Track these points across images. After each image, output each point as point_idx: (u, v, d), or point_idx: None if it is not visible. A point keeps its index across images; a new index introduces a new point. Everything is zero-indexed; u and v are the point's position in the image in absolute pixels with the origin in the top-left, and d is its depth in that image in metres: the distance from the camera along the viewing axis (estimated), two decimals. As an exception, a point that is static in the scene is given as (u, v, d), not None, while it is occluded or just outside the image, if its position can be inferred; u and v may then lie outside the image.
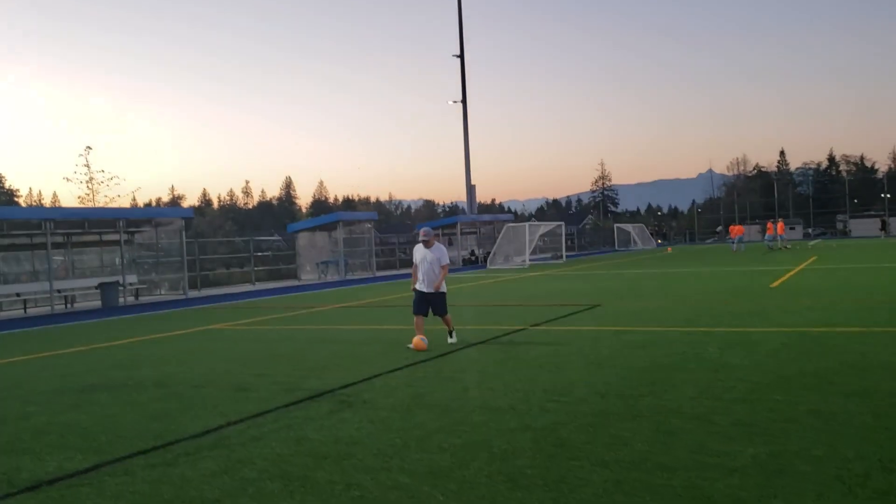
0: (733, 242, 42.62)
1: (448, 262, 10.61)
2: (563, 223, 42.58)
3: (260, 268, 31.40)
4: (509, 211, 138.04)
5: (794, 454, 4.85)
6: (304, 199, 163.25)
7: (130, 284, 22.73)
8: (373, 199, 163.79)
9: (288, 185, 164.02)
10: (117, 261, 23.04)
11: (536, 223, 40.58)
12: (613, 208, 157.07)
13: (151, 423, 6.72)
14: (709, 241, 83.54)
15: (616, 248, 60.44)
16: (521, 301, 17.37)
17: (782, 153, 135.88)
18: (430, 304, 10.32)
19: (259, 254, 31.67)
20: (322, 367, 9.28)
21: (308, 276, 32.50)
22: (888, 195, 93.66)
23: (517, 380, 7.76)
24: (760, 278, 21.12)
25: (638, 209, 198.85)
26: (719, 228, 43.51)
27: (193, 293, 24.84)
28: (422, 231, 10.56)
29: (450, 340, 10.38)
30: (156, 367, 9.92)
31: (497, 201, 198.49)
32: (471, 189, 47.87)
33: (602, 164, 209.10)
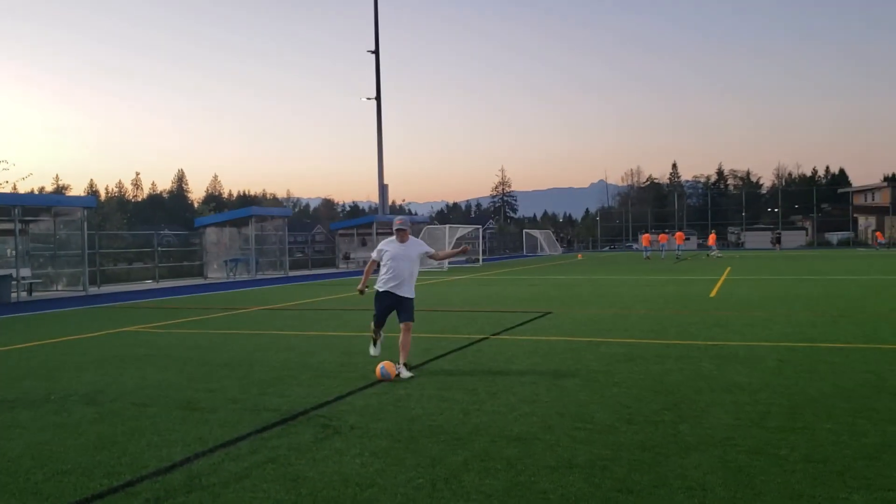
0: (648, 250, 44.07)
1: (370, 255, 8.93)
2: (480, 227, 42.13)
3: (163, 264, 29.26)
4: (410, 213, 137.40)
5: (916, 503, 4.12)
6: (196, 193, 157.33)
7: (24, 279, 20.48)
8: (269, 196, 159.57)
9: (181, 179, 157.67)
10: (10, 252, 20.69)
11: (455, 226, 39.88)
12: (513, 214, 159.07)
13: (96, 453, 5.44)
14: (605, 248, 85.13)
15: (524, 252, 60.55)
16: (464, 307, 16.45)
17: (674, 165, 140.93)
18: (400, 308, 8.40)
19: (163, 249, 29.45)
20: (277, 380, 8.08)
21: (215, 274, 30.61)
22: (777, 209, 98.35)
23: (520, 400, 6.83)
24: (692, 287, 21.02)
25: (535, 215, 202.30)
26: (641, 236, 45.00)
27: (93, 290, 22.73)
28: (398, 220, 8.60)
29: (405, 374, 8.03)
30: (77, 377, 8.47)
31: (397, 203, 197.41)
32: (383, 188, 46.71)
33: (503, 170, 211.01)
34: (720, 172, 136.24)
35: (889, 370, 7.85)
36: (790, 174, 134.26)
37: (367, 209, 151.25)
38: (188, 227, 53.12)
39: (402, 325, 8.37)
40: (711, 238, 48.05)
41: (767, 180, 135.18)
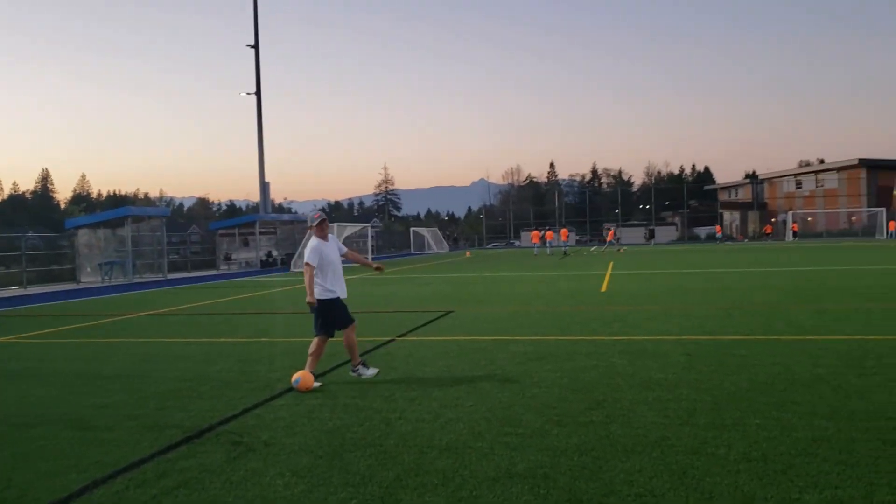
0: (536, 247, 45.34)
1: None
2: (369, 225, 41.53)
3: (31, 269, 27.21)
4: (290, 211, 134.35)
5: (865, 500, 4.10)
6: (63, 193, 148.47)
7: None
8: (141, 195, 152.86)
9: (45, 178, 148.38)
10: None
11: (344, 224, 39.11)
12: (396, 212, 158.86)
13: (-22, 487, 4.76)
14: (490, 246, 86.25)
15: (412, 251, 60.36)
16: (362, 307, 15.98)
17: (552, 165, 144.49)
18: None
19: (30, 253, 27.38)
20: (174, 393, 7.45)
21: (89, 278, 28.77)
22: (649, 206, 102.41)
23: (441, 406, 6.53)
24: (582, 282, 21.35)
25: (419, 213, 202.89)
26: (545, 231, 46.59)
27: (-51, 299, 20.82)
28: (316, 214, 7.72)
29: (369, 373, 7.85)
30: (-58, 398, 7.55)
31: (276, 201, 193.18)
32: (265, 186, 45.47)
33: (385, 169, 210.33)
34: (594, 171, 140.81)
35: (795, 361, 8.03)
36: (659, 172, 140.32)
37: (244, 208, 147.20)
38: (56, 229, 49.92)
39: (349, 327, 7.86)
40: (611, 234, 51.87)
41: (638, 178, 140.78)
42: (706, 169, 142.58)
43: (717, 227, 70.45)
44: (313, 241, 7.69)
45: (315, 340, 7.72)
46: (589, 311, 13.66)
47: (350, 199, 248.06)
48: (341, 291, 7.76)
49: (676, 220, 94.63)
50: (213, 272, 34.74)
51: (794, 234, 66.83)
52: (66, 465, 5.16)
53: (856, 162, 77.68)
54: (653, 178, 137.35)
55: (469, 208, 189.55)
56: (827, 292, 15.95)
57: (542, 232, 48.77)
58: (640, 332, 10.75)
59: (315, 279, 7.60)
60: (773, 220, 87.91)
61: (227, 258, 37.49)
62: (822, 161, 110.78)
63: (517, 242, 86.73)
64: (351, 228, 38.75)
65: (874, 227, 68.04)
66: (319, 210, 7.86)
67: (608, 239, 52.46)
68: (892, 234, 62.57)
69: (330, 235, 7.91)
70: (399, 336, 11.15)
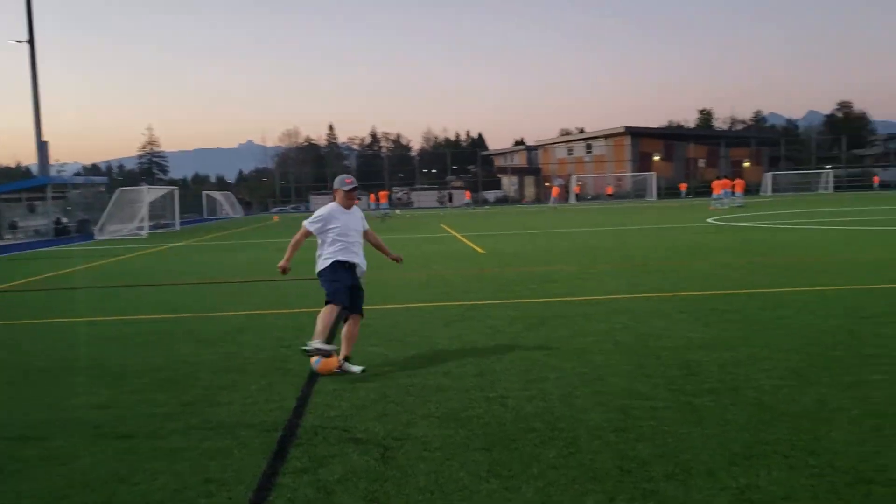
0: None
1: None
2: (176, 188, 38.02)
3: None
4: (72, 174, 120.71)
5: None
6: None
7: None
8: None
9: None
10: None
11: (153, 187, 35.36)
12: (163, 175, 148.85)
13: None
14: (290, 208, 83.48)
15: (205, 216, 56.61)
16: (236, 276, 14.39)
17: (331, 127, 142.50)
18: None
19: None
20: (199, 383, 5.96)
21: None
22: (434, 171, 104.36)
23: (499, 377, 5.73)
24: (447, 245, 20.89)
25: (185, 177, 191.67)
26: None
27: None
28: (348, 178, 6.44)
29: (354, 369, 6.19)
30: None
31: (21, 164, 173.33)
32: (42, 146, 40.25)
33: (150, 130, 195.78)
34: (374, 135, 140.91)
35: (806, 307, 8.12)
36: (436, 138, 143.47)
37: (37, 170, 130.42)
38: None
39: (353, 317, 6.44)
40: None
41: (417, 143, 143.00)
42: (480, 136, 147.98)
43: (467, 193, 68.46)
44: (328, 207, 6.45)
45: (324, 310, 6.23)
46: (501, 274, 13.20)
47: (108, 161, 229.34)
48: (357, 259, 6.44)
49: (458, 184, 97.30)
50: (-6, 242, 29.99)
51: (577, 197, 71.27)
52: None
53: (623, 130, 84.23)
54: (430, 142, 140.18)
55: (240, 171, 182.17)
56: (699, 246, 16.75)
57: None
58: (591, 290, 10.47)
59: (320, 250, 6.38)
60: (546, 184, 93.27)
61: (13, 226, 32.56)
62: (581, 130, 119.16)
63: (303, 207, 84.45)
64: (156, 192, 35.28)
65: (644, 189, 74.39)
66: (349, 176, 6.47)
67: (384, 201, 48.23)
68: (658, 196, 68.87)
69: (355, 207, 6.61)
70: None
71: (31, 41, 39.73)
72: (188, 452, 4.43)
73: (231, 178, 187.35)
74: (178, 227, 36.65)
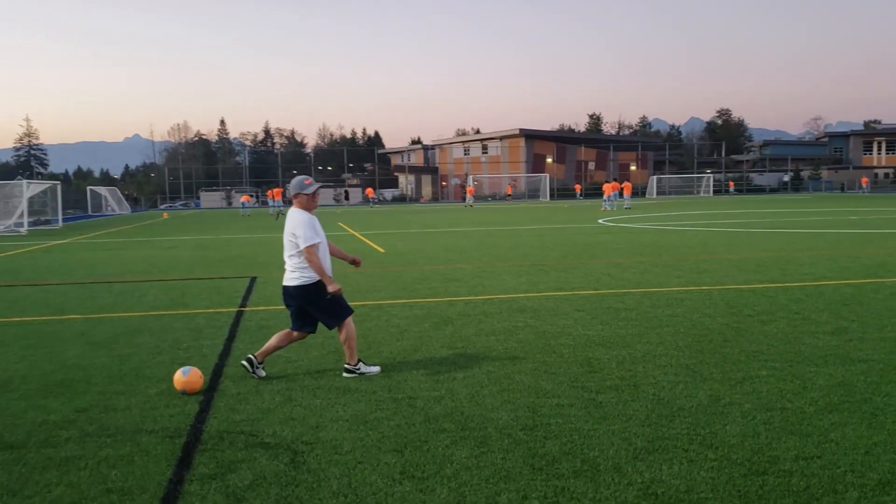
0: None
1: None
2: (58, 182, 35.98)
3: None
4: None
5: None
6: None
7: None
8: None
9: None
10: None
11: (32, 182, 33.26)
12: (42, 169, 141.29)
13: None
14: (178, 205, 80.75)
15: (90, 212, 54.01)
16: (138, 276, 13.84)
17: (223, 122, 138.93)
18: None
19: None
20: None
21: None
22: (329, 168, 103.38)
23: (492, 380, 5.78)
24: (351, 244, 20.70)
25: (67, 171, 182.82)
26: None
27: None
28: (307, 181, 5.94)
29: (362, 369, 6.01)
30: None
31: None
32: None
33: (28, 120, 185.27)
34: (267, 131, 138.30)
35: (742, 303, 8.50)
36: (332, 135, 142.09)
37: None
38: None
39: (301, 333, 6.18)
40: (470, 190, 56.87)
41: (311, 140, 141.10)
42: (376, 133, 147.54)
43: (369, 190, 68.22)
44: (304, 216, 5.90)
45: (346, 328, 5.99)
46: (404, 273, 13.21)
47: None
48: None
49: (355, 182, 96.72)
50: None
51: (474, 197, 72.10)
52: None
53: (517, 132, 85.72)
54: (325, 139, 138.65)
55: (126, 166, 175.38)
56: (592, 246, 17.26)
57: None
58: (487, 291, 10.63)
59: (302, 263, 5.87)
60: (443, 183, 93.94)
61: None
62: (477, 130, 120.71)
63: (193, 203, 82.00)
64: (37, 186, 33.33)
65: (538, 190, 75.97)
66: (308, 176, 6.06)
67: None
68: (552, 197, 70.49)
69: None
70: (242, 307, 9.75)
71: None
72: (85, 461, 4.24)
73: (117, 172, 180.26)
74: (60, 223, 34.85)
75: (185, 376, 5.51)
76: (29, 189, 31.26)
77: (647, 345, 6.84)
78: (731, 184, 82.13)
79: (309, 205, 5.99)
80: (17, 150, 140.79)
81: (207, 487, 3.83)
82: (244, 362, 6.01)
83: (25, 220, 30.28)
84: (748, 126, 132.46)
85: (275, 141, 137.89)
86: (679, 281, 11.17)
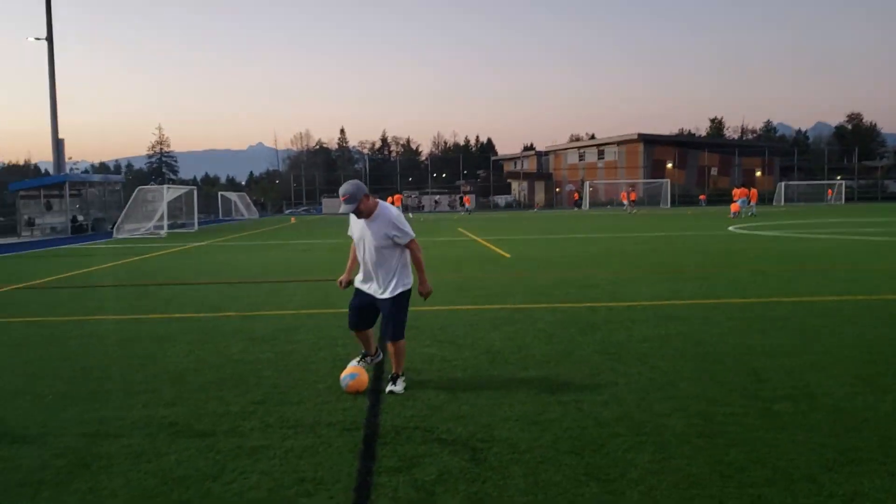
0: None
1: (412, 236, 5.75)
2: (194, 188, 38.11)
3: None
4: (89, 171, 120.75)
5: None
6: None
7: None
8: None
9: None
10: None
11: (171, 186, 35.45)
12: (173, 175, 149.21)
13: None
14: (301, 210, 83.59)
15: (220, 217, 56.75)
16: (262, 276, 14.43)
17: (342, 131, 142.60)
18: (381, 313, 5.86)
19: None
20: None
21: None
22: (444, 175, 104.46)
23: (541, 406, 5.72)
24: (470, 249, 20.86)
25: (195, 177, 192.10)
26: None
27: None
28: (340, 190, 5.54)
29: (391, 389, 5.65)
30: None
31: (30, 161, 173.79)
32: (59, 143, 40.43)
33: (160, 129, 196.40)
34: (384, 139, 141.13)
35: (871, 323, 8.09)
36: (446, 143, 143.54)
37: (44, 169, 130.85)
38: None
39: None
40: (630, 195, 56.60)
41: (426, 147, 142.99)
42: (489, 140, 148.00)
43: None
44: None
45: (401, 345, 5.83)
46: (539, 277, 13.17)
47: (117, 160, 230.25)
48: (369, 287, 5.83)
49: (468, 188, 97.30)
50: (14, 240, 30.05)
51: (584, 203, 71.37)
52: None
53: (636, 136, 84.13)
54: (439, 147, 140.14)
55: (251, 173, 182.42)
56: (729, 254, 16.71)
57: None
58: (617, 298, 10.44)
59: (397, 268, 5.74)
60: (557, 189, 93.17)
61: (31, 223, 32.65)
62: (592, 136, 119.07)
63: (321, 208, 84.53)
64: (175, 191, 35.36)
65: (658, 196, 74.17)
66: (355, 183, 5.56)
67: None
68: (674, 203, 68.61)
69: (380, 208, 5.68)
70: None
71: (49, 38, 39.91)
72: (273, 451, 4.42)
73: (242, 179, 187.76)
74: (196, 227, 36.75)
75: (354, 380, 5.65)
76: (168, 193, 33.13)
77: (813, 355, 6.56)
78: (830, 192, 75.08)
79: (362, 206, 5.55)
80: (150, 157, 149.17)
81: (396, 480, 3.93)
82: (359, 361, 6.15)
83: (165, 222, 32.04)
84: (881, 130, 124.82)
85: (391, 149, 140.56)
86: (830, 290, 10.66)
